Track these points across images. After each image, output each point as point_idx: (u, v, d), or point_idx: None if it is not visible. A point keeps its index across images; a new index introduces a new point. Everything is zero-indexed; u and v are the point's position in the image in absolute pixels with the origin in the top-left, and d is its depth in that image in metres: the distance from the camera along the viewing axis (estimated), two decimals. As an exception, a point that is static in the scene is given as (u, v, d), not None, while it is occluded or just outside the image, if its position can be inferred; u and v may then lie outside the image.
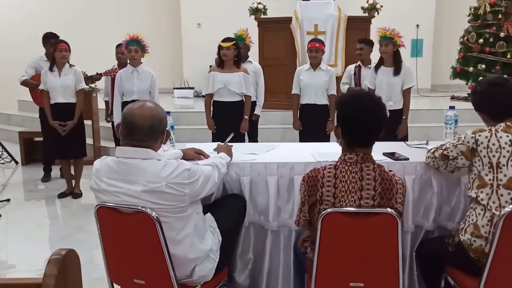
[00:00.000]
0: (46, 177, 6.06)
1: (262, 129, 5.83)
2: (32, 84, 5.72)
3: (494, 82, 2.50)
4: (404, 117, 4.74)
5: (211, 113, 4.95)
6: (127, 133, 2.10)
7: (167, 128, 2.22)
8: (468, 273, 2.31)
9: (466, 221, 2.38)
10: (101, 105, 6.67)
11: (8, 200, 5.16)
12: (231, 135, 3.11)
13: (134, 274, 2.18)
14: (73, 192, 5.31)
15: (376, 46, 5.01)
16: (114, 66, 5.87)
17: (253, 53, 6.12)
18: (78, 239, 4.14)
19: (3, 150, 6.86)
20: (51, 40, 5.68)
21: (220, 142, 2.98)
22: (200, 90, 8.61)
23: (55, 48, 5.02)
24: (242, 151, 3.02)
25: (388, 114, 2.17)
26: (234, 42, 4.71)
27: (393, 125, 4.58)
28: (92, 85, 6.20)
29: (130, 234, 2.10)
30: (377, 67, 4.79)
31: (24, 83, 5.75)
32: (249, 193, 2.74)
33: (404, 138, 4.63)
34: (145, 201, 2.04)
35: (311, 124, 5.01)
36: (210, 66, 5.18)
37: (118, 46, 5.84)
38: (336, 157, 2.24)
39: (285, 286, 2.82)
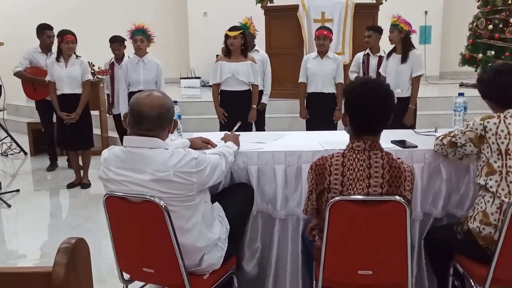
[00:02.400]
0: (52, 166, 6.11)
1: (269, 118, 5.82)
2: (26, 76, 5.73)
3: (500, 69, 2.47)
4: (410, 105, 4.69)
5: (219, 102, 4.94)
6: (134, 122, 2.10)
7: (174, 118, 2.21)
8: (477, 260, 2.30)
9: (475, 208, 2.37)
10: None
11: (18, 190, 5.20)
12: (238, 124, 3.10)
13: (143, 263, 2.20)
14: (82, 182, 5.35)
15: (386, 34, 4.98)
16: (111, 60, 5.85)
17: (260, 42, 6.09)
18: (87, 229, 4.17)
19: (12, 141, 6.91)
20: (44, 31, 5.69)
21: (227, 131, 2.98)
22: (207, 80, 8.59)
23: (62, 39, 5.02)
24: (250, 140, 3.02)
25: (396, 100, 2.16)
26: (241, 31, 4.68)
27: (400, 113, 4.55)
28: (100, 76, 6.21)
29: (138, 223, 2.11)
30: (389, 54, 4.77)
31: (17, 74, 5.74)
32: (257, 182, 2.73)
33: (412, 126, 4.60)
34: (153, 190, 2.05)
35: (318, 113, 5.00)
36: (217, 55, 5.17)
37: (113, 42, 5.77)
38: (343, 145, 2.23)
39: (293, 274, 2.83)
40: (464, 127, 2.46)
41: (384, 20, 5.02)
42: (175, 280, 2.15)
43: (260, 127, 5.45)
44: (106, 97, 6.17)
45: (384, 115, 2.12)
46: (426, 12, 9.53)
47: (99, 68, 5.91)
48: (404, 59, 4.64)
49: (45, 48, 5.78)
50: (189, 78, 9.73)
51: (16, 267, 1.20)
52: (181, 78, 9.73)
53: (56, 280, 1.20)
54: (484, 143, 2.35)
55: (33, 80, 5.67)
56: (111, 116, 6.07)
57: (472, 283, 2.29)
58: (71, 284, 1.23)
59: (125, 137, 2.14)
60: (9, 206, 4.76)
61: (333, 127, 4.92)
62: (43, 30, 5.72)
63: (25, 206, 4.85)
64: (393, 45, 4.80)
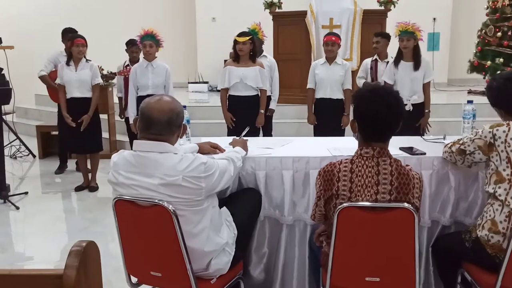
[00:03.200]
0: (60, 169, 6.13)
1: (277, 124, 5.82)
2: (49, 82, 5.80)
3: (510, 77, 2.47)
4: (427, 110, 4.72)
5: (227, 107, 4.96)
6: (144, 126, 2.12)
7: (183, 122, 2.23)
8: (486, 269, 2.30)
9: (483, 216, 2.36)
10: (117, 99, 6.71)
11: (26, 193, 5.23)
12: (247, 129, 3.12)
13: (151, 266, 2.21)
14: (90, 186, 5.37)
15: (393, 40, 4.97)
16: (126, 63, 5.89)
17: (268, 48, 6.10)
18: (95, 232, 4.18)
19: (21, 144, 6.96)
20: (69, 35, 5.72)
21: (235, 136, 2.99)
22: (215, 85, 8.63)
23: (72, 42, 5.07)
24: (258, 145, 3.03)
25: (411, 108, 2.16)
26: (250, 36, 4.71)
27: (416, 119, 4.56)
28: (110, 82, 6.25)
29: (147, 227, 2.13)
30: (396, 62, 4.74)
31: (42, 78, 5.83)
32: (265, 187, 2.74)
33: (423, 132, 4.60)
34: (162, 194, 2.06)
35: (326, 119, 4.99)
36: (225, 60, 5.19)
37: (132, 44, 5.81)
38: (351, 151, 2.23)
39: (300, 280, 2.82)
40: (473, 134, 2.46)
41: (392, 27, 5.01)
42: (182, 284, 2.16)
43: (267, 132, 5.46)
44: (118, 100, 6.15)
45: (393, 122, 2.12)
46: (434, 19, 9.51)
47: (125, 66, 5.89)
48: (417, 66, 4.64)
49: (68, 51, 5.82)
50: (196, 82, 9.77)
51: (28, 269, 1.20)
52: (188, 83, 9.77)
53: (67, 283, 1.21)
54: (493, 151, 2.34)
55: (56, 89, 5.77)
56: (123, 119, 6.08)
57: (480, 292, 2.28)
58: (81, 286, 1.24)
59: (134, 141, 2.16)
60: (17, 208, 4.79)
61: (341, 133, 4.92)
62: (67, 34, 5.76)
63: (33, 208, 4.88)
64: (398, 52, 4.77)
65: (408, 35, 4.58)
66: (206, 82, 9.69)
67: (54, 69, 5.81)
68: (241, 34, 4.72)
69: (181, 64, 9.97)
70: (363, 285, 2.12)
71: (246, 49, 4.68)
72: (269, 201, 2.76)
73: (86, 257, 1.26)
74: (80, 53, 5.07)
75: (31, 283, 1.28)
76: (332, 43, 4.84)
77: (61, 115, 5.79)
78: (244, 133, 3.03)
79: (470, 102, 3.13)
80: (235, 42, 4.71)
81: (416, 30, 4.58)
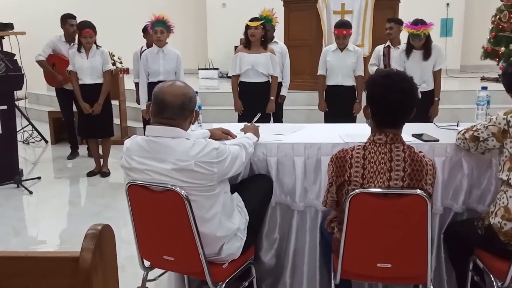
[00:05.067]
0: (72, 155, 6.18)
1: (287, 110, 5.81)
2: (46, 67, 5.89)
3: None
4: (436, 98, 4.66)
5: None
6: (157, 111, 2.13)
7: (195, 108, 2.23)
8: (498, 256, 2.29)
9: (496, 204, 2.35)
10: (127, 85, 6.73)
11: (39, 178, 5.29)
12: (258, 115, 3.11)
13: (163, 251, 2.23)
14: (102, 171, 5.41)
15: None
16: (142, 48, 5.85)
17: (278, 34, 6.06)
18: (107, 217, 4.22)
19: (33, 129, 7.02)
20: (68, 21, 5.77)
21: (247, 123, 2.99)
22: (225, 71, 8.59)
23: (80, 33, 5.09)
24: (269, 131, 3.02)
25: (420, 95, 2.14)
26: (262, 22, 4.68)
27: (424, 107, 4.51)
28: (119, 65, 6.26)
29: (160, 212, 2.14)
30: (408, 51, 4.65)
31: (40, 63, 5.87)
32: (276, 174, 2.74)
33: (432, 120, 4.57)
34: (175, 179, 2.07)
35: (337, 106, 4.96)
36: (235, 47, 5.17)
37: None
38: (363, 138, 2.22)
39: (311, 266, 2.83)
40: (487, 121, 2.43)
41: (405, 12, 4.93)
42: (195, 268, 2.18)
43: (278, 119, 5.45)
44: (135, 86, 6.09)
45: (406, 108, 2.10)
46: (448, 4, 9.37)
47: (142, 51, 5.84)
48: (427, 56, 4.57)
49: (69, 37, 5.85)
50: (207, 69, 9.74)
51: (44, 251, 1.23)
52: (199, 69, 9.75)
53: (83, 265, 1.22)
54: (507, 137, 2.32)
55: (53, 74, 5.82)
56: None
57: (492, 279, 2.28)
58: (97, 269, 1.26)
59: (147, 126, 2.17)
60: (30, 193, 4.84)
61: (352, 120, 4.89)
62: (66, 19, 5.80)
63: (46, 193, 4.93)
64: (409, 42, 4.68)
65: (416, 37, 4.49)
66: (217, 69, 9.67)
67: (51, 53, 5.87)
68: (253, 19, 4.69)
69: (191, 51, 9.93)
70: (375, 271, 2.13)
71: (257, 35, 4.65)
72: (281, 187, 2.76)
73: (101, 240, 1.28)
74: (89, 43, 5.11)
75: (47, 266, 1.29)
76: (343, 37, 4.76)
77: (62, 100, 5.91)
78: (255, 119, 3.02)
79: (484, 88, 3.09)
80: (247, 27, 4.68)
81: (426, 29, 4.46)
